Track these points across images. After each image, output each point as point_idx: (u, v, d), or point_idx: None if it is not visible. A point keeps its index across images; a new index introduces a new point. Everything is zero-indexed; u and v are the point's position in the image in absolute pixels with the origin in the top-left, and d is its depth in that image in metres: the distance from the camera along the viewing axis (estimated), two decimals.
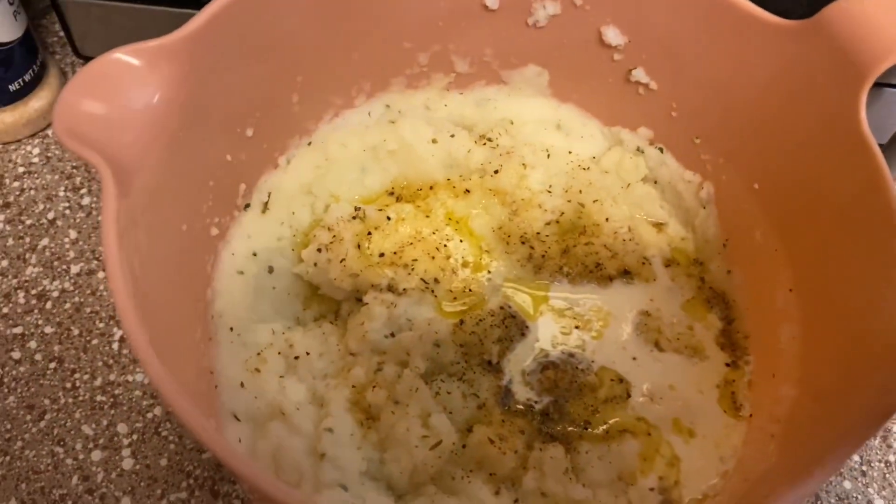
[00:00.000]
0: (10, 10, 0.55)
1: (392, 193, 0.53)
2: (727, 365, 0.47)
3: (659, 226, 0.52)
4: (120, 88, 0.37)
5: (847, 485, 0.50)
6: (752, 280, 0.48)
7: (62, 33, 0.67)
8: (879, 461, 0.52)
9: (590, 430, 0.44)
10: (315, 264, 0.49)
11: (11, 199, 0.58)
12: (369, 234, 0.50)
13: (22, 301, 0.54)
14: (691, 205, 0.51)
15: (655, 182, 0.53)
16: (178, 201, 0.41)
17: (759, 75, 0.43)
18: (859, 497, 0.50)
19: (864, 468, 0.51)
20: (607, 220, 0.52)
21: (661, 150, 0.52)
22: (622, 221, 0.52)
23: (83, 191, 0.59)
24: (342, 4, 0.46)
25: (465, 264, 0.50)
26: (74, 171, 0.60)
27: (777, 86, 0.43)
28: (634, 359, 0.47)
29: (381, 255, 0.49)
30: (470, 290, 0.49)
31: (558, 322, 0.48)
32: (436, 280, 0.48)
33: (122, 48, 0.37)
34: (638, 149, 0.53)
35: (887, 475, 0.51)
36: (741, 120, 0.46)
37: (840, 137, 0.39)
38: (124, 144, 0.36)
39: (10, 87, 0.58)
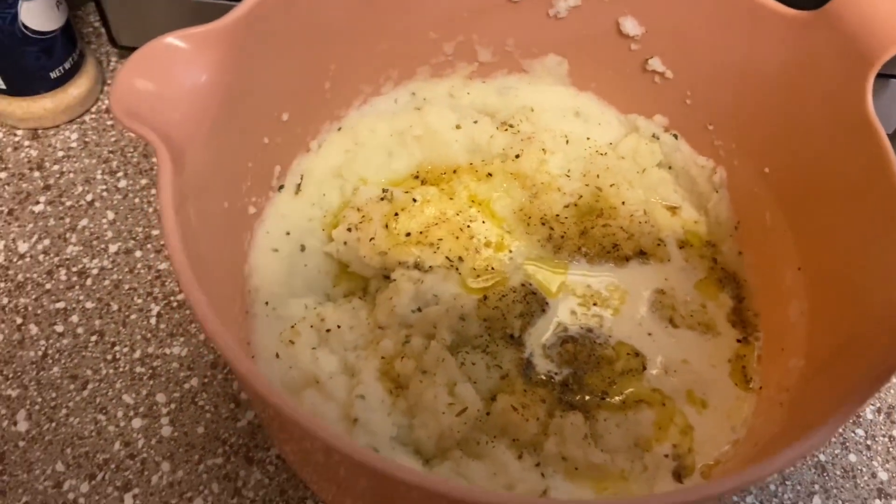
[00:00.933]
0: (53, 1, 0.57)
1: (417, 177, 0.56)
2: (738, 341, 0.50)
3: (673, 209, 0.55)
4: (170, 69, 0.39)
5: (852, 458, 0.53)
6: (763, 260, 0.50)
7: (97, 24, 0.69)
8: (884, 436, 0.54)
9: (607, 399, 0.47)
10: (345, 243, 0.51)
11: (52, 181, 0.61)
12: (396, 214, 0.52)
13: (63, 278, 0.56)
14: (704, 189, 0.54)
15: (670, 167, 0.55)
16: (221, 180, 0.44)
17: (769, 63, 0.46)
18: (864, 469, 0.52)
19: (869, 442, 0.53)
20: (624, 203, 0.54)
21: (675, 136, 0.55)
22: (638, 205, 0.54)
23: (119, 174, 0.62)
24: (379, 2, 0.49)
25: (487, 244, 0.52)
26: (111, 155, 0.63)
27: (787, 74, 0.45)
28: (650, 334, 0.50)
29: (408, 234, 0.51)
30: (492, 269, 0.51)
31: (577, 299, 0.51)
32: (460, 258, 0.51)
33: (172, 33, 0.40)
34: (653, 135, 0.55)
35: (891, 449, 0.53)
36: (752, 107, 0.48)
37: (847, 123, 0.42)
38: (175, 122, 0.39)
39: (50, 74, 0.60)
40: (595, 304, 0.51)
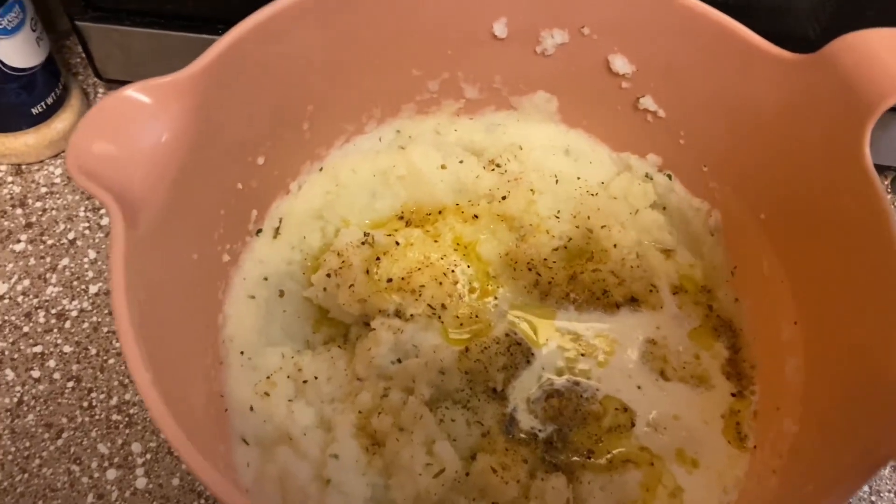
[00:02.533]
0: (32, 36, 0.56)
1: (402, 218, 0.54)
2: (733, 395, 0.47)
3: (667, 252, 0.52)
4: (130, 127, 0.38)
5: None
6: (759, 310, 0.48)
7: (84, 58, 0.68)
8: (889, 491, 0.51)
9: (593, 459, 0.45)
10: (324, 289, 0.50)
11: (34, 219, 0.60)
12: (378, 259, 0.51)
13: (42, 320, 0.55)
14: (699, 232, 0.52)
15: (664, 208, 0.53)
16: (188, 231, 0.42)
17: (764, 106, 0.43)
18: None
19: (874, 498, 0.51)
20: (615, 246, 0.52)
21: (669, 176, 0.53)
22: (630, 247, 0.52)
23: (102, 211, 0.60)
24: (350, 36, 0.47)
25: (471, 290, 0.50)
26: None
27: (782, 117, 0.43)
28: (639, 387, 0.47)
29: (389, 280, 0.50)
30: (476, 317, 0.49)
31: (564, 349, 0.49)
32: (443, 306, 0.49)
33: (132, 85, 0.38)
34: (646, 175, 0.53)
35: None
36: (748, 149, 0.46)
37: (844, 172, 0.39)
38: (133, 182, 0.37)
39: (32, 110, 0.59)
40: (583, 355, 0.49)
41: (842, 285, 0.41)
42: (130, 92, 0.38)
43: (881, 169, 0.63)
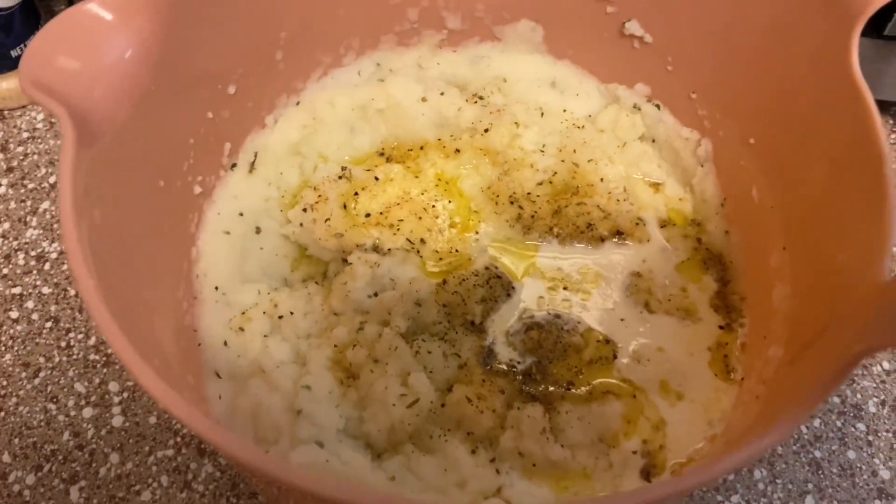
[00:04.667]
0: None
1: (382, 154, 0.53)
2: (721, 328, 0.46)
3: (656, 185, 0.51)
4: (90, 42, 0.36)
5: (851, 454, 0.48)
6: (749, 240, 0.46)
7: None
8: (887, 431, 0.49)
9: (572, 390, 0.43)
10: (301, 224, 0.49)
11: (15, 163, 0.59)
12: (356, 194, 0.49)
13: (21, 262, 0.55)
14: (689, 163, 0.50)
15: (653, 140, 0.51)
16: (153, 157, 0.41)
17: (754, 25, 0.41)
18: (863, 468, 0.48)
19: (871, 437, 0.49)
20: (602, 180, 0.50)
21: (658, 106, 0.51)
22: (617, 181, 0.50)
23: None
24: None
25: (452, 225, 0.49)
26: None
27: (771, 34, 0.41)
28: (622, 320, 0.46)
29: (368, 215, 0.48)
30: (456, 251, 0.48)
31: (545, 283, 0.47)
32: (422, 240, 0.48)
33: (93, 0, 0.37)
34: (635, 106, 0.51)
35: (895, 445, 0.49)
36: (737, 71, 0.44)
37: (834, 84, 0.37)
38: (92, 98, 0.36)
39: (11, 52, 0.58)
40: (565, 289, 0.47)
41: (830, 205, 0.39)
42: (92, 5, 0.37)
43: (886, 105, 0.60)
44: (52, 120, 0.61)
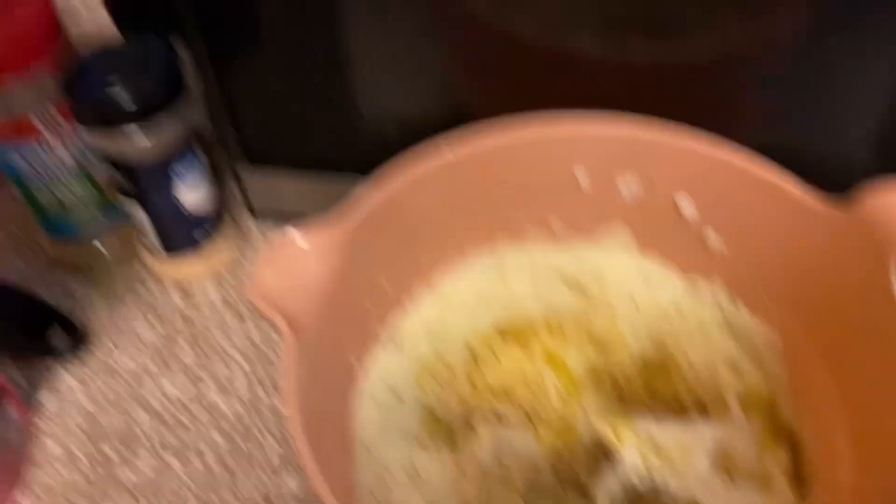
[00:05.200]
0: (206, 183, 0.70)
1: (499, 334, 0.63)
2: (795, 498, 0.53)
3: (735, 369, 0.59)
4: (293, 265, 0.50)
5: None
6: (817, 418, 0.54)
7: (239, 196, 0.83)
8: None
9: None
10: (434, 394, 0.59)
11: (196, 331, 0.72)
12: (479, 368, 0.60)
13: (204, 420, 0.66)
14: (763, 352, 0.58)
15: (731, 329, 0.60)
16: (331, 343, 0.53)
17: (808, 250, 0.51)
18: None
19: None
20: (689, 362, 0.59)
21: (733, 301, 0.60)
22: (702, 364, 0.59)
23: (251, 326, 0.72)
24: (463, 185, 0.58)
25: (560, 399, 0.58)
26: (245, 310, 0.74)
27: (823, 259, 0.50)
28: (710, 490, 0.54)
29: (489, 387, 0.59)
30: (565, 422, 0.57)
31: (642, 453, 0.56)
32: (535, 411, 0.57)
33: (297, 231, 0.50)
34: (714, 298, 0.61)
35: None
36: (798, 282, 0.54)
37: (881, 306, 0.47)
38: (297, 306, 0.48)
39: (199, 240, 0.73)
40: (660, 459, 0.55)
41: (887, 395, 0.47)
42: (294, 238, 0.50)
43: None
44: (225, 295, 0.75)
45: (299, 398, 0.45)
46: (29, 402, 0.67)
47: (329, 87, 0.66)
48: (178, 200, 0.68)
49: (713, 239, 0.59)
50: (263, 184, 0.74)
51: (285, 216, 0.80)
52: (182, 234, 0.71)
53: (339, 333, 0.54)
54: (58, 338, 0.69)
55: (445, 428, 0.60)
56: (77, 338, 0.70)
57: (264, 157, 0.72)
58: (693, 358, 0.59)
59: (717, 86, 0.61)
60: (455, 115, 0.66)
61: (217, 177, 0.74)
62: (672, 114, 0.57)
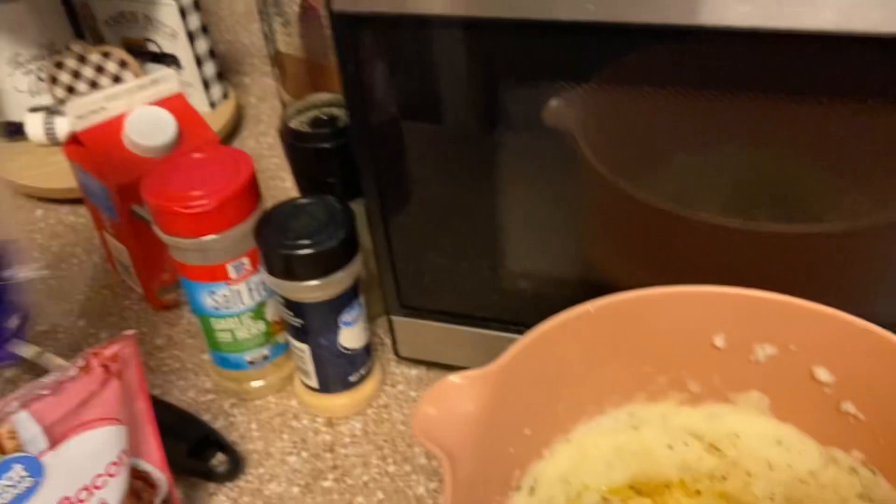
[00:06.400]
0: (363, 326, 0.78)
1: (633, 487, 0.65)
2: None
3: None
4: (451, 400, 0.55)
5: None
6: None
7: (384, 335, 0.90)
8: None
9: None
10: None
11: (339, 462, 0.78)
12: None
13: None
14: None
15: (871, 500, 0.60)
16: (476, 483, 0.57)
17: None
18: None
19: None
20: None
21: (873, 472, 0.60)
22: None
23: (389, 460, 0.77)
24: (599, 343, 0.63)
25: None
26: (384, 443, 0.79)
27: None
28: None
29: None
30: None
31: None
32: None
33: (455, 374, 0.56)
34: (852, 468, 0.61)
35: None
36: None
37: None
38: (451, 440, 0.53)
39: (350, 378, 0.80)
40: None
41: None
42: (452, 378, 0.56)
43: None
44: (367, 429, 0.81)
45: None
46: None
47: (476, 248, 0.73)
48: (339, 342, 0.76)
49: (852, 410, 0.60)
50: (410, 328, 0.81)
51: (426, 364, 0.86)
52: (338, 372, 0.78)
53: (484, 474, 0.58)
54: (220, 463, 0.76)
55: None
56: (235, 463, 0.77)
57: (415, 306, 0.79)
58: None
59: (849, 261, 0.64)
60: (594, 283, 0.72)
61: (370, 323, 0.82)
62: (805, 290, 0.61)
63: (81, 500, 0.56)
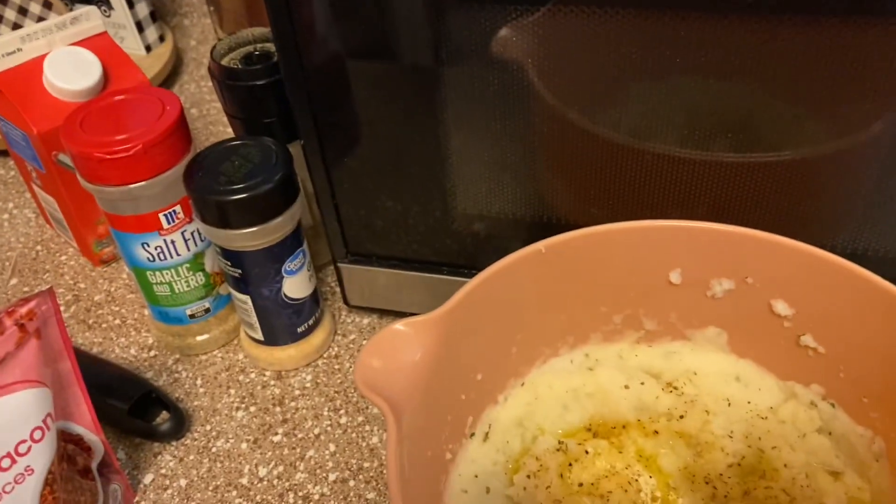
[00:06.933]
0: (307, 274, 0.74)
1: (589, 429, 0.63)
2: None
3: (835, 474, 0.57)
4: (395, 350, 0.52)
5: None
6: None
7: (334, 285, 0.87)
8: None
9: None
10: (524, 488, 0.59)
11: (289, 416, 0.75)
12: (570, 465, 0.60)
13: (292, 501, 0.68)
14: (865, 457, 0.57)
15: (830, 434, 0.59)
16: (427, 432, 0.54)
17: None
18: None
19: None
20: (785, 465, 0.58)
21: (832, 405, 0.59)
22: (800, 468, 0.58)
23: (342, 411, 0.75)
24: (555, 281, 0.60)
25: (654, 499, 0.58)
26: (336, 394, 0.76)
27: None
28: None
29: (580, 484, 0.58)
30: None
31: None
32: None
33: (398, 322, 0.53)
34: (811, 402, 0.60)
35: None
36: None
37: None
38: (397, 391, 0.50)
39: (298, 329, 0.76)
40: None
41: None
42: (398, 326, 0.53)
43: None
44: (318, 381, 0.78)
45: (400, 484, 0.46)
46: (132, 481, 0.70)
47: (427, 190, 0.69)
48: (283, 292, 0.72)
49: (811, 344, 0.58)
50: (361, 278, 0.78)
51: (378, 311, 0.83)
52: (284, 324, 0.75)
53: (435, 423, 0.56)
54: (163, 422, 0.73)
55: None
56: (180, 421, 0.74)
57: (363, 253, 0.76)
58: (791, 462, 0.58)
59: (806, 191, 0.62)
60: (548, 224, 0.69)
61: (315, 270, 0.78)
62: (762, 221, 0.58)
63: (4, 469, 0.53)
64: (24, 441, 0.53)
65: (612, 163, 0.64)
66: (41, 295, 0.55)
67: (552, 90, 0.62)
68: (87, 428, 0.60)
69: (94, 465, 0.62)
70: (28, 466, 0.54)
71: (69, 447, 0.59)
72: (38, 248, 0.97)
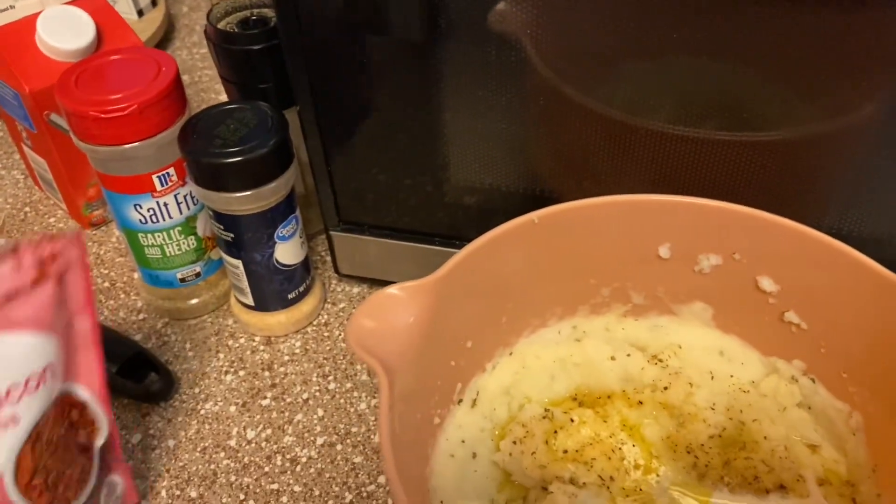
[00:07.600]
0: (299, 241, 0.75)
1: (575, 399, 0.64)
2: None
3: (813, 447, 0.59)
4: (388, 312, 0.52)
5: None
6: None
7: (325, 253, 0.87)
8: None
9: None
10: (510, 454, 0.60)
11: (278, 381, 0.75)
12: (556, 432, 0.61)
13: (279, 463, 0.69)
14: (842, 431, 0.58)
15: (809, 408, 0.60)
16: (417, 396, 0.55)
17: (891, 329, 0.52)
18: None
19: None
20: (765, 438, 0.59)
21: (812, 380, 0.60)
22: (779, 441, 0.59)
23: (330, 377, 0.75)
24: (545, 253, 0.61)
25: (636, 466, 0.59)
26: (325, 361, 0.77)
27: None
28: None
29: (565, 451, 0.59)
30: (640, 490, 0.57)
31: None
32: (611, 478, 0.58)
33: (392, 286, 0.53)
34: (792, 377, 0.61)
35: None
36: (883, 363, 0.54)
37: None
38: (390, 352, 0.51)
39: (288, 296, 0.77)
40: None
41: None
42: (390, 290, 0.53)
43: None
44: (307, 347, 0.78)
45: (391, 442, 0.47)
46: (122, 443, 0.71)
47: (420, 160, 0.70)
48: (275, 258, 0.72)
49: (795, 320, 0.60)
50: (349, 244, 0.78)
51: (368, 281, 0.84)
52: (275, 290, 0.75)
53: (424, 387, 0.57)
54: (152, 383, 0.73)
55: (520, 492, 0.61)
56: (168, 382, 0.74)
57: (355, 222, 0.76)
58: (771, 435, 0.59)
59: (795, 170, 0.63)
60: (540, 196, 0.70)
61: (307, 238, 0.78)
62: (751, 199, 0.59)
63: None
64: (15, 385, 0.52)
65: (605, 137, 0.64)
66: (69, 238, 0.50)
67: (547, 64, 0.62)
68: (94, 396, 0.59)
69: (95, 445, 0.60)
70: (14, 414, 0.52)
71: (73, 413, 0.58)
72: (27, 209, 0.97)
